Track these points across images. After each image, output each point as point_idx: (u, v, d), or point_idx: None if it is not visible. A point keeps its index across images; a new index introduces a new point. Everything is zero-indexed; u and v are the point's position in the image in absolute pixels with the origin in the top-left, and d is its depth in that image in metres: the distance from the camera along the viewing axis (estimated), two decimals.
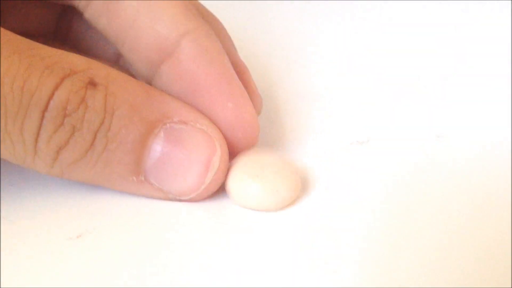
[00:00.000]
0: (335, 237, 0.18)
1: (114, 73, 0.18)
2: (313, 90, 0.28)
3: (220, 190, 0.20)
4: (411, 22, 0.35)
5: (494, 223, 0.19)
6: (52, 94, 0.17)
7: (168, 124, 0.18)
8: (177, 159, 0.19)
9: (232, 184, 0.19)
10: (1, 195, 0.19)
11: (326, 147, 0.23)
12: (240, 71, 0.22)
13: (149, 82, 0.21)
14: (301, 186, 0.20)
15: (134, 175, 0.18)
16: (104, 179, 0.18)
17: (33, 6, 0.23)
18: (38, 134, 0.17)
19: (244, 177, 0.19)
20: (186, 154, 0.19)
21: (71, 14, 0.23)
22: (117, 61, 0.23)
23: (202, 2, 0.23)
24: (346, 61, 0.31)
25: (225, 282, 0.16)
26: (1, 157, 0.17)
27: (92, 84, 0.17)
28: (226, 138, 0.20)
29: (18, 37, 0.17)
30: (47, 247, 0.17)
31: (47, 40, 0.23)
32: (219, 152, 0.19)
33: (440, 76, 0.29)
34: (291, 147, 0.23)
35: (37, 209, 0.19)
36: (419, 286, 0.16)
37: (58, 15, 0.23)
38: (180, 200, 0.19)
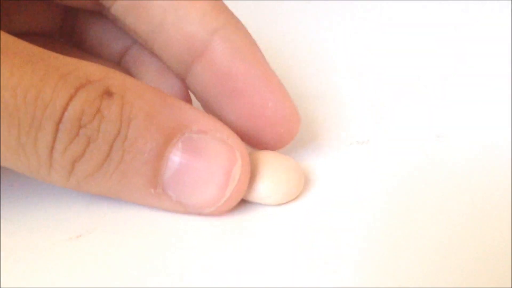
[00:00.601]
0: (335, 236, 0.18)
1: (130, 81, 0.18)
2: (312, 90, 0.28)
3: None
4: (411, 22, 0.35)
5: (494, 223, 0.19)
6: (67, 105, 0.16)
7: (186, 134, 0.18)
8: (196, 171, 0.18)
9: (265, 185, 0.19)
10: (1, 195, 0.19)
11: (326, 147, 0.23)
12: None
13: (184, 80, 0.21)
14: (303, 182, 0.20)
15: (151, 187, 0.18)
16: (121, 191, 0.18)
17: (38, 5, 0.22)
18: (53, 146, 0.16)
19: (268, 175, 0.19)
20: (205, 165, 0.18)
21: (76, 13, 0.23)
22: (120, 61, 0.23)
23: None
24: (346, 61, 0.31)
25: (225, 280, 0.16)
26: (16, 170, 0.17)
27: (107, 93, 0.17)
28: (267, 135, 0.20)
29: (31, 46, 0.17)
30: (47, 247, 0.17)
31: (52, 39, 0.23)
32: (240, 163, 0.18)
33: (440, 76, 0.29)
34: (291, 147, 0.23)
35: (37, 209, 0.19)
36: (419, 286, 0.16)
37: (63, 14, 0.23)
38: (201, 214, 0.19)
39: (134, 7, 0.20)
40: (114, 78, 0.17)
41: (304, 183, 0.20)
